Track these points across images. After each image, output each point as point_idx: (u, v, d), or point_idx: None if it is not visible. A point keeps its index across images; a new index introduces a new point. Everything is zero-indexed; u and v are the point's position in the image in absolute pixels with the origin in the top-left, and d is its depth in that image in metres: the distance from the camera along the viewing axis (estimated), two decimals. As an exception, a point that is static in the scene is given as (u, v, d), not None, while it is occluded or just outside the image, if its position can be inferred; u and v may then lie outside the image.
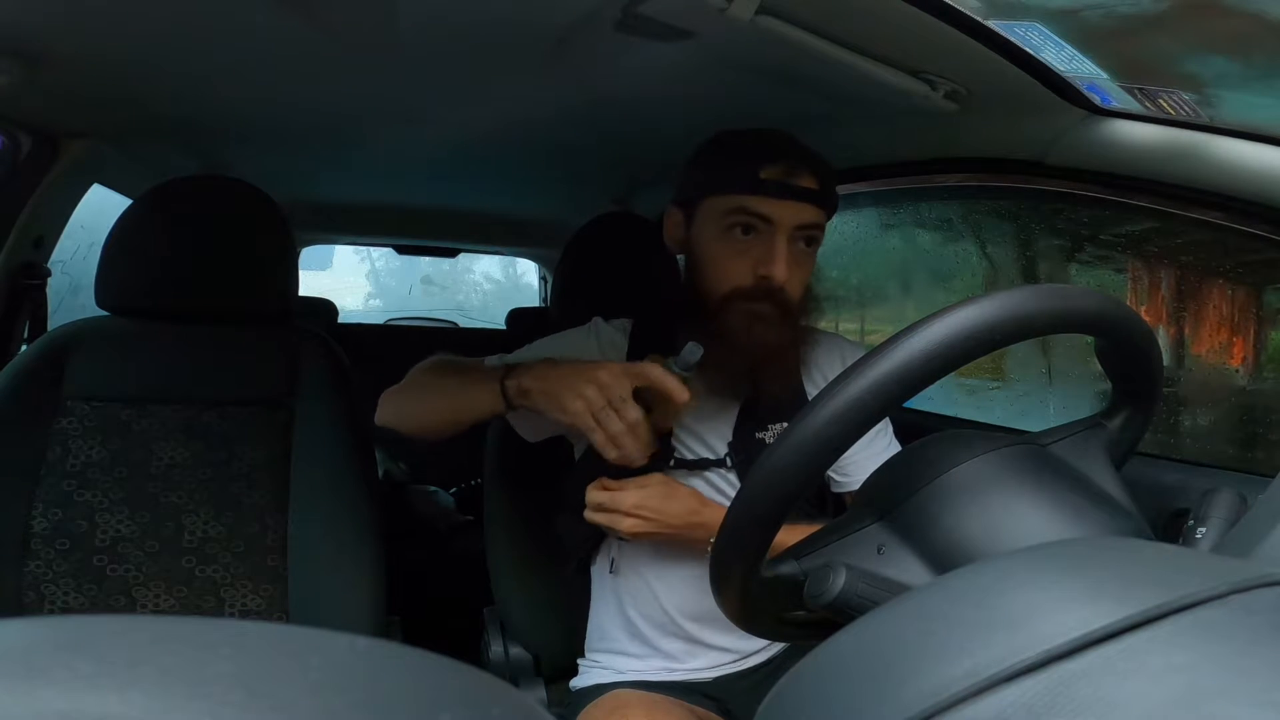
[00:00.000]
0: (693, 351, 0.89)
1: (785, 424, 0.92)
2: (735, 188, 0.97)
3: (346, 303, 3.58)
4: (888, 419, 1.03)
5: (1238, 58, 0.87)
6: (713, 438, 1.04)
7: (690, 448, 1.04)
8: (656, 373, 0.90)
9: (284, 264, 1.27)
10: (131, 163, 1.58)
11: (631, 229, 1.41)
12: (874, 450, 1.04)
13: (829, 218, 1.01)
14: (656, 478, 0.98)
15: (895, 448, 1.06)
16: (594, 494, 0.98)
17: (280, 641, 0.24)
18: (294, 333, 1.25)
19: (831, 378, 1.07)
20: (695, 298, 1.02)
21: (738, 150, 0.99)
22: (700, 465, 1.04)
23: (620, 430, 0.89)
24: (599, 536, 1.07)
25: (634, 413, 0.89)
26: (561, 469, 1.13)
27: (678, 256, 1.09)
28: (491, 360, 1.05)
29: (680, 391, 0.88)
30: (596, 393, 0.89)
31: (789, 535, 0.84)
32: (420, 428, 1.05)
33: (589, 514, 0.98)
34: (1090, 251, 1.37)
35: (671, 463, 1.03)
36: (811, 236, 0.99)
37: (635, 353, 1.06)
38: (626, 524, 0.96)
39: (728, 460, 1.03)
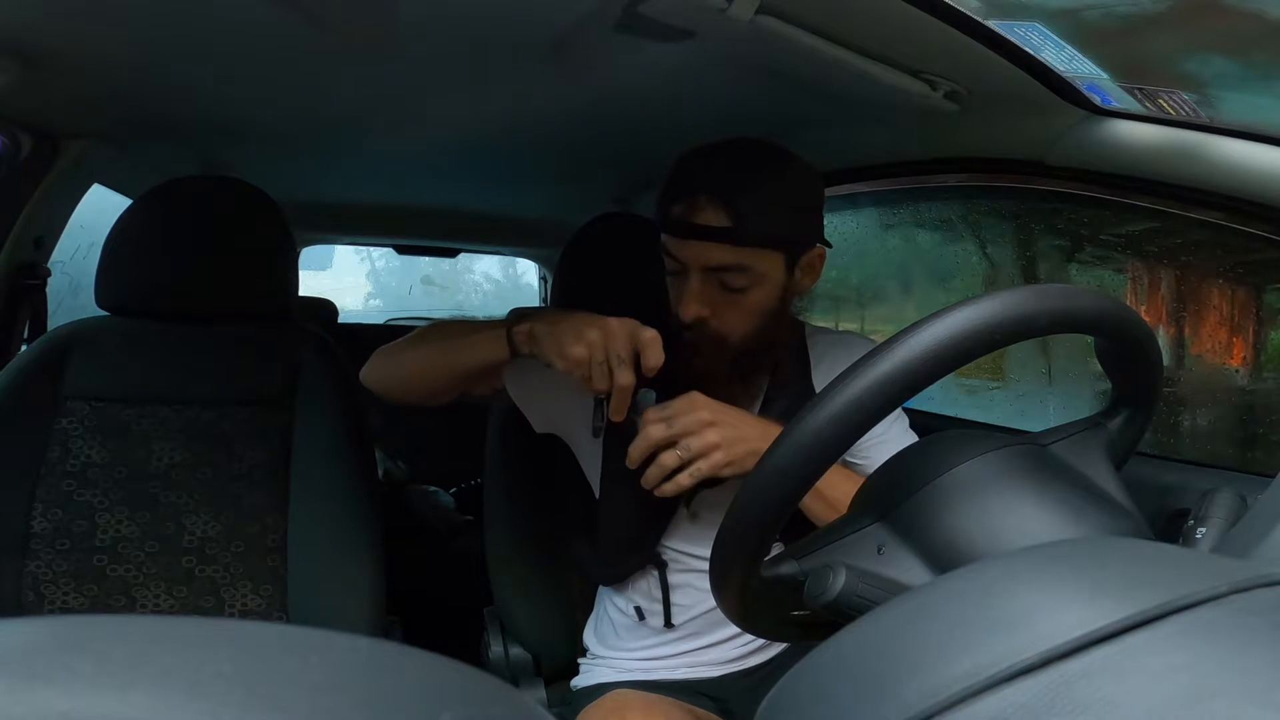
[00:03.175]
0: (645, 396, 0.90)
1: None
2: (660, 224, 0.95)
3: (346, 303, 3.58)
4: (901, 409, 1.02)
5: (1238, 58, 0.87)
6: None
7: None
8: (654, 342, 0.87)
9: (284, 264, 1.27)
10: (131, 163, 1.58)
11: (631, 229, 1.41)
12: (891, 437, 1.01)
13: (764, 250, 0.92)
14: (695, 395, 0.90)
15: (910, 436, 1.04)
16: (656, 430, 0.86)
17: (280, 641, 0.24)
18: (294, 333, 1.25)
19: None
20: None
21: (665, 182, 0.95)
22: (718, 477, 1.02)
23: (605, 389, 0.87)
24: (635, 568, 1.06)
25: (626, 377, 0.86)
26: (561, 470, 1.13)
27: None
28: None
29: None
30: (600, 338, 0.86)
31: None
32: (412, 385, 1.01)
33: (671, 458, 0.86)
34: (1090, 251, 1.37)
35: None
36: (729, 279, 0.92)
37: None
38: (713, 435, 0.85)
39: None
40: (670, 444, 0.87)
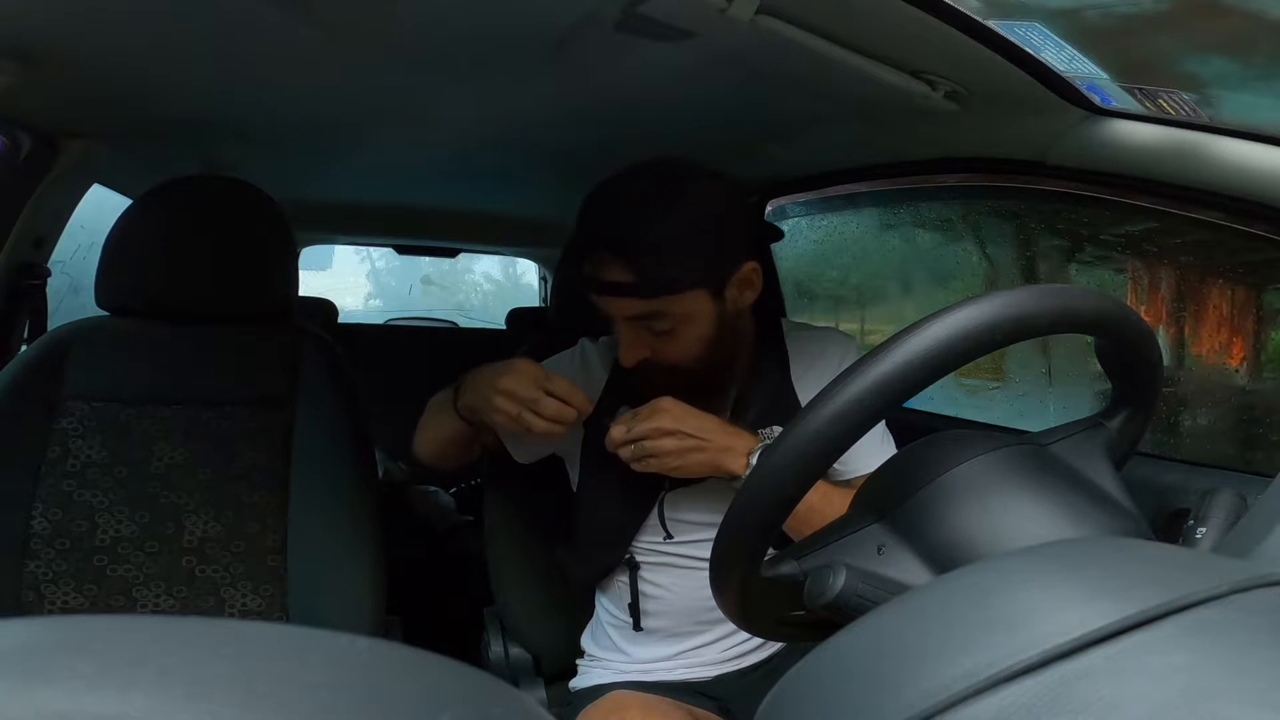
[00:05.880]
0: (621, 411, 0.94)
1: (776, 426, 0.92)
2: (577, 278, 0.96)
3: (346, 303, 3.58)
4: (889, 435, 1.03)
5: (1238, 58, 0.87)
6: None
7: None
8: (563, 387, 0.92)
9: (284, 264, 1.27)
10: (131, 163, 1.58)
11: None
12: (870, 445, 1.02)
13: (678, 294, 0.91)
14: (663, 401, 0.92)
15: (889, 443, 1.04)
16: (616, 432, 0.92)
17: (280, 641, 0.24)
18: (294, 333, 1.25)
19: (824, 371, 1.06)
20: None
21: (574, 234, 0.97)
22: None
23: (545, 428, 0.92)
24: (607, 568, 1.07)
25: (550, 407, 0.91)
26: (560, 470, 1.13)
27: None
28: None
29: (583, 403, 0.93)
30: (507, 401, 0.92)
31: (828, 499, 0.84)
32: (436, 459, 1.11)
33: (628, 452, 0.92)
34: (1090, 251, 1.37)
35: (667, 484, 1.02)
36: (654, 324, 0.92)
37: (620, 372, 1.04)
38: (668, 444, 0.90)
39: None
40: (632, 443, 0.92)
